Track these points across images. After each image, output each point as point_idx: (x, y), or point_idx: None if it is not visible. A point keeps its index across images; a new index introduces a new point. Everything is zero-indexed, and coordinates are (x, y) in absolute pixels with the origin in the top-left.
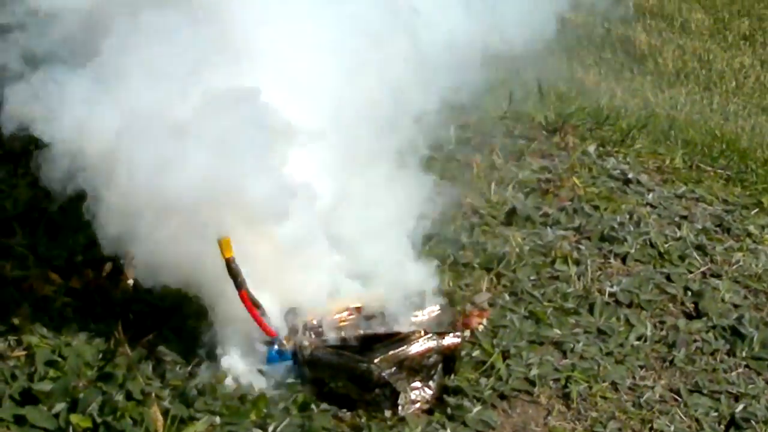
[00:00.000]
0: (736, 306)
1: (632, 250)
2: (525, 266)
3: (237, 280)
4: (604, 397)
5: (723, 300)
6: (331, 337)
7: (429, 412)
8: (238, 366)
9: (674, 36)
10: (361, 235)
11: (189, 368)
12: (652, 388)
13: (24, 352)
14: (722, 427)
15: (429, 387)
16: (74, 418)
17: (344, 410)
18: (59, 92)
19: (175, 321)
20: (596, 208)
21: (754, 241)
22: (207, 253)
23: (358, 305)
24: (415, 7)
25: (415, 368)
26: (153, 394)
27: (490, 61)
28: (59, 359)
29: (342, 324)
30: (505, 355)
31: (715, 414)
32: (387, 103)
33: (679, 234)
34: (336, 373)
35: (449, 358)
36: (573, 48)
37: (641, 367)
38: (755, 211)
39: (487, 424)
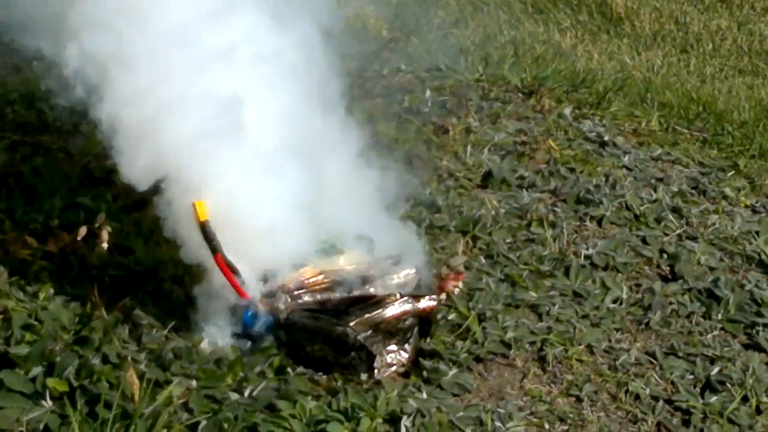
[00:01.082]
0: (711, 268)
1: (608, 213)
2: (501, 229)
3: (212, 243)
4: (579, 360)
5: (699, 262)
6: (307, 300)
7: (405, 375)
8: (214, 329)
9: None
10: (335, 198)
11: (165, 332)
12: (628, 350)
13: (0, 316)
14: (698, 389)
15: (405, 350)
16: (51, 381)
17: (320, 373)
18: None
19: (151, 285)
20: (572, 170)
21: (730, 204)
22: None
23: (334, 268)
24: None
25: (391, 331)
26: (129, 358)
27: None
28: (36, 323)
29: (317, 287)
30: (481, 318)
31: (691, 377)
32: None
33: (654, 196)
34: (312, 337)
35: (425, 321)
36: (549, 10)
37: (617, 330)
38: (731, 173)
39: (463, 387)
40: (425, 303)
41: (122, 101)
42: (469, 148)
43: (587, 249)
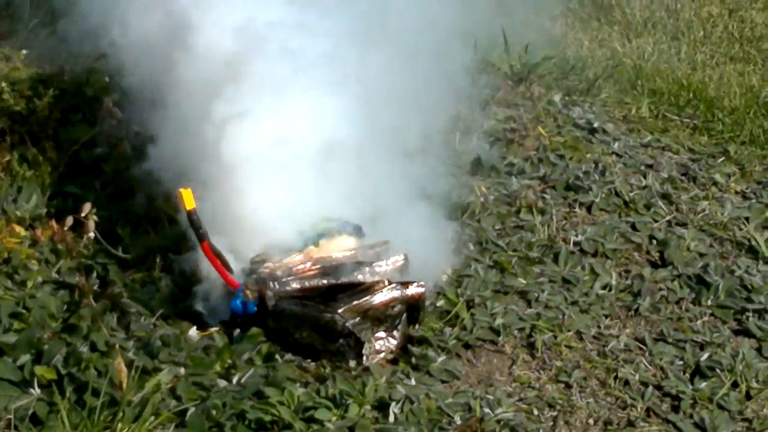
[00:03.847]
0: (701, 254)
1: (597, 199)
2: (490, 216)
3: (198, 231)
4: (568, 346)
5: (688, 248)
6: (295, 287)
7: (393, 362)
8: (202, 317)
9: None
10: (326, 188)
11: (153, 320)
12: (617, 337)
13: None
14: (687, 375)
15: (393, 337)
16: (39, 369)
17: (308, 360)
18: None
19: (139, 272)
20: (561, 157)
21: (720, 190)
22: None
23: (322, 255)
24: None
25: (380, 318)
26: (117, 346)
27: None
28: (24, 311)
29: (306, 274)
30: (470, 305)
31: (680, 362)
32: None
33: (644, 183)
34: (300, 324)
35: (413, 308)
36: None
37: (606, 316)
38: (721, 159)
39: (452, 374)
40: (413, 290)
41: None
42: (458, 135)
43: (576, 235)
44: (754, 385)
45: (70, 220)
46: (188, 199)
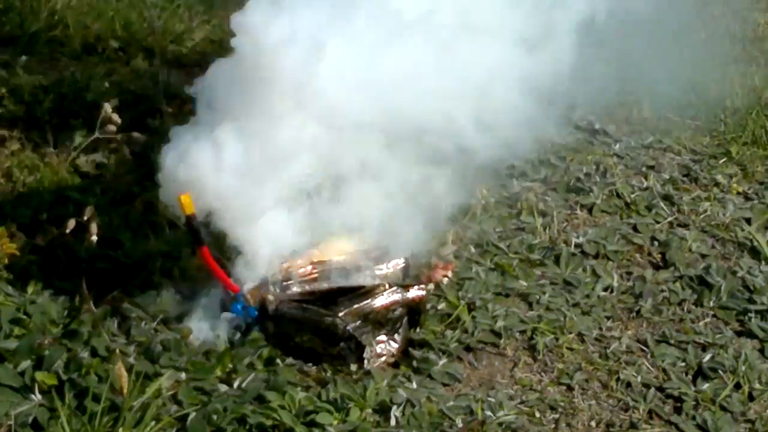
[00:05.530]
0: (703, 256)
1: (598, 201)
2: (491, 218)
3: (197, 237)
4: (570, 349)
5: (690, 250)
6: (296, 291)
7: (394, 365)
8: (203, 321)
9: None
10: (325, 190)
11: (154, 324)
12: (619, 338)
13: None
14: (689, 377)
15: (394, 340)
16: (40, 375)
17: (309, 364)
18: None
19: (140, 277)
20: (563, 159)
21: (722, 191)
22: None
23: (323, 259)
24: None
25: (380, 321)
26: (118, 351)
27: None
28: (24, 317)
29: (306, 278)
30: (471, 308)
31: (683, 364)
32: None
33: (645, 184)
34: (301, 327)
35: (414, 311)
36: None
37: (608, 318)
38: (723, 160)
39: (453, 377)
40: (414, 293)
41: None
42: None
43: (578, 237)
44: (757, 386)
45: (72, 223)
46: (188, 205)
